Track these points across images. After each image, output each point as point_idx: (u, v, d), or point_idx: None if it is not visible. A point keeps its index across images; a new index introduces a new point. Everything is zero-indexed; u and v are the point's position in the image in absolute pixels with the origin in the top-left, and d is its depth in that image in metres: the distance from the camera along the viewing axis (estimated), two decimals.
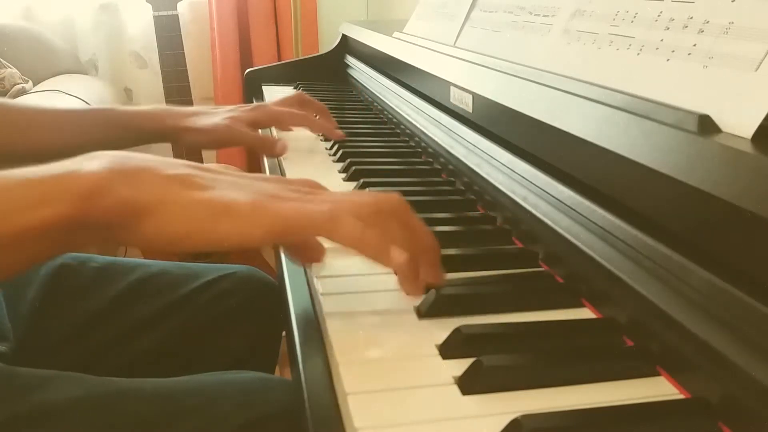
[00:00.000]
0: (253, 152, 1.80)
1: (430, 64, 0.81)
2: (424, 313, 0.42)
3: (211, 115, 0.80)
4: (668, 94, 0.41)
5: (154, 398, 0.52)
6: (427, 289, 0.43)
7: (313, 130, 0.89)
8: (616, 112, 0.43)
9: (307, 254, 0.45)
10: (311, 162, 0.81)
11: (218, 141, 0.81)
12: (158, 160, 0.40)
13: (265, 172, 0.79)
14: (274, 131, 0.92)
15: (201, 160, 1.73)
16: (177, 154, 1.73)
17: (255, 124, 0.82)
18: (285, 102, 0.88)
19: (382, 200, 0.42)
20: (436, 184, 0.70)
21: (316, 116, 0.88)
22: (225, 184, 0.40)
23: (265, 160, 0.81)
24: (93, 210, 0.36)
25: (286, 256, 0.48)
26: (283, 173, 0.76)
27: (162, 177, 0.38)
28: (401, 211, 0.42)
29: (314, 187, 0.44)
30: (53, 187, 0.36)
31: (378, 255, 0.40)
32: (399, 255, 0.39)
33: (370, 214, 0.40)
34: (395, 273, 0.42)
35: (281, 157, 0.81)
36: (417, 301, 0.43)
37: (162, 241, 0.37)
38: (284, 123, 0.88)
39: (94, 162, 0.37)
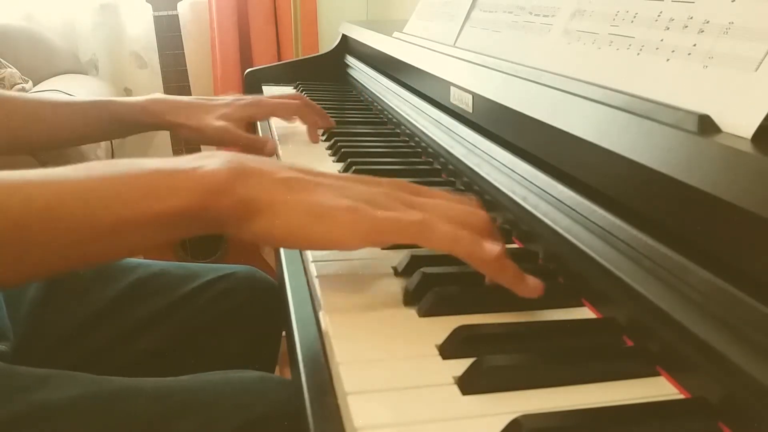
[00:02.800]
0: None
1: (430, 64, 0.81)
2: (424, 312, 0.42)
3: (208, 111, 0.81)
4: (668, 94, 0.41)
5: (154, 398, 0.52)
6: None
7: (304, 121, 0.88)
8: (616, 112, 0.43)
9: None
10: (311, 162, 0.81)
11: (211, 140, 0.84)
12: (270, 162, 0.43)
13: None
14: (275, 133, 0.92)
15: (199, 146, 1.74)
16: (176, 149, 1.73)
17: (251, 119, 0.84)
18: (282, 97, 0.89)
19: (468, 214, 0.44)
20: (436, 184, 0.70)
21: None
22: (327, 188, 0.42)
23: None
24: (215, 204, 0.39)
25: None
26: None
27: (274, 180, 0.41)
28: (481, 225, 0.43)
29: (405, 189, 0.45)
30: (183, 180, 0.40)
31: (472, 253, 0.41)
32: (492, 248, 0.41)
33: (458, 223, 0.42)
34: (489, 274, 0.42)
35: (281, 156, 0.82)
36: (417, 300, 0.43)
37: (267, 238, 0.41)
38: (280, 114, 0.89)
39: (215, 160, 0.41)
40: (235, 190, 0.40)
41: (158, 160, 0.41)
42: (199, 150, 1.74)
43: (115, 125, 0.81)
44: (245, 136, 0.82)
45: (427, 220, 0.41)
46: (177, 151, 1.73)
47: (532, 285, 0.42)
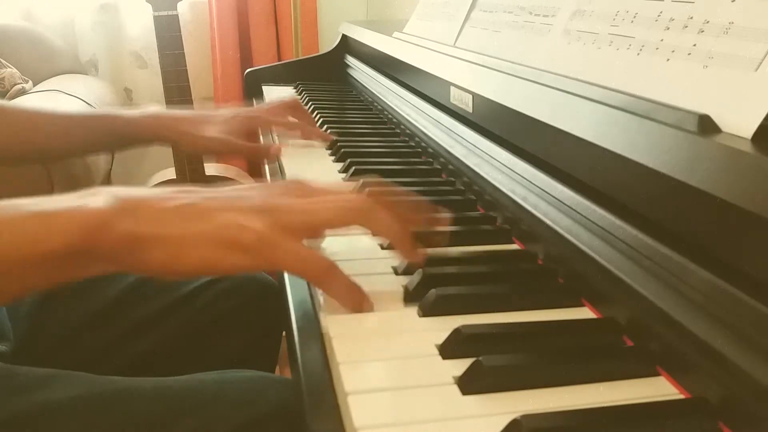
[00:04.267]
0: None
1: (430, 64, 0.81)
2: (424, 312, 0.42)
3: (207, 123, 0.81)
4: (668, 94, 0.41)
5: (154, 397, 0.52)
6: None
7: (303, 137, 0.89)
8: (616, 112, 0.43)
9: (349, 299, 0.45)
10: (311, 162, 0.81)
11: (214, 152, 0.85)
12: (157, 193, 0.42)
13: (265, 174, 0.79)
14: (275, 136, 0.92)
15: (201, 160, 1.73)
16: (176, 153, 1.73)
17: (250, 132, 0.84)
18: (280, 108, 0.88)
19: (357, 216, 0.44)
20: (436, 184, 0.70)
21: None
22: (225, 209, 0.41)
23: (266, 160, 0.82)
24: (99, 242, 0.38)
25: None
26: (283, 173, 0.76)
27: (160, 210, 0.40)
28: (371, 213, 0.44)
29: (302, 192, 0.45)
30: (61, 221, 0.38)
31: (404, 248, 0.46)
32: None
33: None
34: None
35: (281, 157, 0.82)
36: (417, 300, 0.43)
37: (167, 272, 0.40)
38: (278, 130, 0.90)
39: (98, 198, 0.40)
40: (121, 226, 0.38)
41: (42, 200, 0.40)
42: (200, 161, 1.74)
43: (113, 139, 0.81)
44: (246, 145, 0.82)
45: (332, 267, 0.41)
46: (178, 157, 1.72)
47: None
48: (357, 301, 0.42)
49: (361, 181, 0.54)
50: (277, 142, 0.88)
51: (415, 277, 0.45)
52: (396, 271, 0.48)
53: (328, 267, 0.42)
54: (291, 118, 0.88)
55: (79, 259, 0.39)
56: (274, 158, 0.81)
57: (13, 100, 1.64)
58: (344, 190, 0.46)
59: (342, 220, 0.43)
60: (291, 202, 0.43)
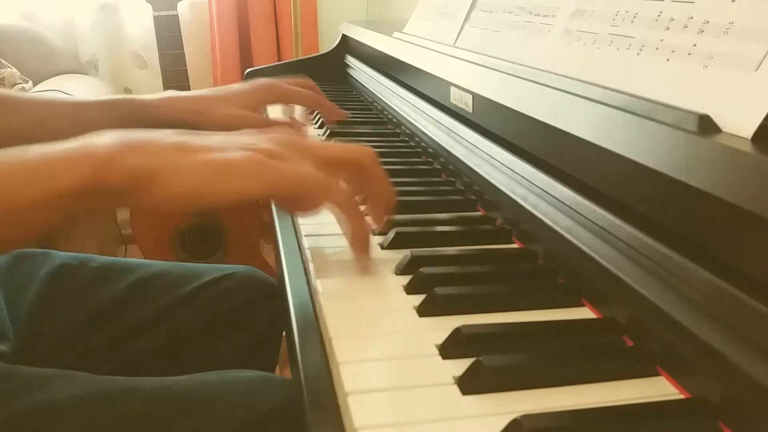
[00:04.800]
0: None
1: (430, 64, 0.81)
2: (424, 312, 0.42)
3: (224, 101, 0.80)
4: (668, 94, 0.41)
5: (154, 397, 0.52)
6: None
7: (320, 110, 0.89)
8: (616, 112, 0.43)
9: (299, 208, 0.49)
10: None
11: (233, 129, 0.84)
12: (155, 132, 0.44)
13: None
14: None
15: None
16: None
17: (264, 105, 0.86)
18: (293, 82, 0.88)
19: (358, 158, 0.49)
20: (436, 184, 0.70)
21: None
22: (222, 145, 0.44)
23: None
24: (106, 178, 0.40)
25: (277, 208, 0.55)
26: None
27: (164, 145, 0.42)
28: (370, 164, 0.49)
29: (296, 138, 0.48)
30: (70, 160, 0.40)
31: (356, 219, 0.47)
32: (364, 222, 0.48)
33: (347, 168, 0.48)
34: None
35: None
36: (417, 300, 0.43)
37: (170, 203, 0.41)
38: (295, 101, 0.89)
39: (104, 137, 0.42)
40: (124, 161, 0.40)
41: (47, 145, 0.41)
42: None
43: (128, 124, 0.81)
44: (266, 120, 0.83)
45: (328, 180, 0.44)
46: None
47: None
48: (359, 229, 0.46)
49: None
50: None
51: (416, 277, 0.45)
52: (396, 271, 0.48)
53: (327, 182, 0.44)
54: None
55: (86, 197, 0.40)
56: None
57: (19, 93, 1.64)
58: (341, 155, 0.48)
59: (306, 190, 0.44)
60: (280, 153, 0.44)
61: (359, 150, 0.49)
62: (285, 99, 0.88)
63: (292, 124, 0.85)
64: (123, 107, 0.80)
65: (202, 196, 0.41)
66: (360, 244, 0.48)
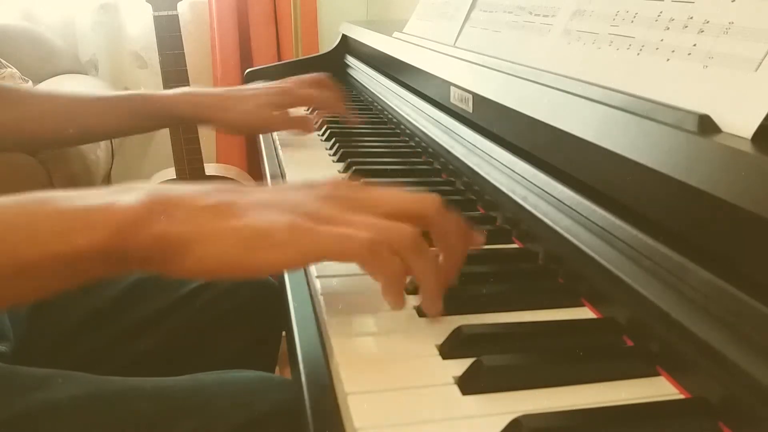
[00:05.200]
0: (254, 148, 1.82)
1: (430, 64, 0.81)
2: (424, 312, 0.42)
3: (243, 101, 0.82)
4: (668, 94, 0.41)
5: (154, 397, 0.52)
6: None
7: (336, 112, 0.92)
8: (616, 112, 0.43)
9: None
10: (311, 162, 0.81)
11: (250, 127, 0.87)
12: (193, 190, 0.40)
13: (265, 174, 0.79)
14: (275, 137, 0.92)
15: (201, 159, 1.73)
16: (176, 152, 1.72)
17: (283, 107, 0.85)
18: (306, 82, 0.90)
19: (424, 210, 0.41)
20: (436, 184, 0.70)
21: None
22: (259, 208, 0.39)
23: (266, 160, 0.82)
24: (129, 243, 0.36)
25: None
26: (283, 173, 0.76)
27: (196, 209, 0.38)
28: (441, 219, 0.42)
29: (350, 190, 0.42)
30: (96, 218, 0.37)
31: (395, 295, 0.40)
32: (434, 288, 0.40)
33: (410, 248, 0.39)
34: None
35: (281, 157, 0.82)
36: (417, 300, 0.43)
37: (201, 273, 0.38)
38: (312, 105, 0.93)
39: (131, 195, 0.38)
40: (153, 226, 0.36)
41: (68, 196, 0.38)
42: (199, 157, 1.74)
43: (147, 120, 0.83)
44: (282, 119, 0.84)
45: (375, 246, 0.37)
46: (178, 157, 1.72)
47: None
48: (396, 294, 0.39)
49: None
50: (277, 141, 0.88)
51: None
52: None
53: (371, 243, 0.37)
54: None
55: (107, 258, 0.37)
56: (311, 130, 0.85)
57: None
58: (404, 208, 0.41)
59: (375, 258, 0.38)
60: (330, 214, 0.39)
61: (424, 200, 0.42)
62: (305, 103, 0.91)
63: (306, 119, 0.87)
64: (135, 103, 0.81)
65: (234, 270, 0.37)
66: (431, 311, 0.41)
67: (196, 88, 0.84)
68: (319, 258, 0.38)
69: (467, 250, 0.43)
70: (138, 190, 0.38)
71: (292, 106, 0.87)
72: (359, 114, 1.03)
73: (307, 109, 1.03)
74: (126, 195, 0.38)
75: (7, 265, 0.36)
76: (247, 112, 0.81)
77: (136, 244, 0.36)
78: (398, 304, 0.40)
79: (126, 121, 0.81)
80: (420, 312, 0.42)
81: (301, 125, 0.86)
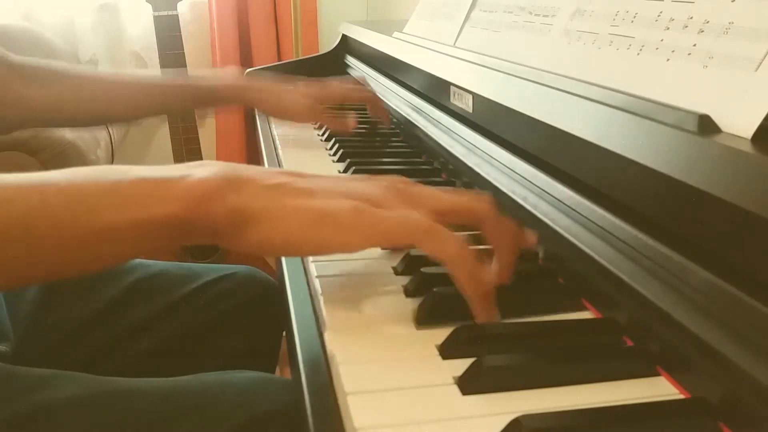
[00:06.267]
0: (254, 148, 1.83)
1: (430, 64, 0.81)
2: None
3: (289, 90, 0.89)
4: (668, 94, 0.41)
5: (154, 398, 0.52)
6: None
7: (375, 110, 0.96)
8: (616, 112, 0.43)
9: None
10: (311, 162, 0.81)
11: (296, 117, 0.91)
12: (261, 170, 0.42)
13: None
14: (274, 132, 0.92)
15: (199, 146, 1.73)
16: (176, 152, 1.72)
17: (331, 102, 0.91)
18: (354, 91, 0.96)
19: (480, 211, 0.43)
20: (436, 184, 0.70)
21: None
22: (325, 190, 0.41)
23: (266, 160, 0.82)
24: (202, 214, 0.38)
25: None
26: None
27: (266, 186, 0.40)
28: (495, 221, 0.43)
29: (403, 184, 0.44)
30: (170, 189, 0.39)
31: (469, 278, 0.40)
32: (488, 283, 0.41)
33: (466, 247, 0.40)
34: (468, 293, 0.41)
35: (281, 157, 0.82)
36: (416, 301, 0.43)
37: (265, 248, 0.40)
38: (352, 99, 0.96)
39: (205, 169, 0.40)
40: (226, 199, 0.38)
41: (145, 168, 0.40)
42: (200, 157, 1.74)
43: (191, 103, 0.91)
44: (327, 116, 0.89)
45: (435, 226, 0.39)
46: (177, 149, 1.72)
47: (490, 313, 0.41)
48: (475, 278, 0.40)
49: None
50: (278, 142, 0.89)
51: (416, 278, 0.45)
52: (396, 271, 0.48)
53: (435, 229, 0.39)
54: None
55: (177, 229, 0.38)
56: (350, 129, 0.89)
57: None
58: (459, 205, 0.43)
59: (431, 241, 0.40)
60: (389, 202, 0.41)
61: (477, 199, 0.44)
62: (342, 100, 0.94)
63: (347, 120, 0.90)
64: (186, 91, 0.88)
65: (298, 246, 0.39)
66: (481, 307, 0.41)
67: (241, 76, 0.92)
68: (381, 240, 0.40)
69: (519, 249, 0.44)
70: (210, 165, 0.40)
71: (340, 102, 0.94)
72: (359, 114, 1.03)
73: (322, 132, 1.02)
74: (200, 169, 0.40)
75: (88, 228, 0.37)
76: (292, 100, 0.87)
77: (208, 215, 0.38)
78: (487, 315, 0.40)
79: (170, 103, 0.89)
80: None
81: (342, 125, 0.89)
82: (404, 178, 0.45)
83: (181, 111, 0.91)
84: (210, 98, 0.89)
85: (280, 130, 0.94)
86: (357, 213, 0.39)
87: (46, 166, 1.55)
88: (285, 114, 0.89)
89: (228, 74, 0.91)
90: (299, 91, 0.89)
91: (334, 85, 0.93)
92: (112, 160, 1.92)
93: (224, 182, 0.39)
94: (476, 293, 0.40)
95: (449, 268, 0.40)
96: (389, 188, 0.43)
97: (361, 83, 1.01)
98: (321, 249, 0.40)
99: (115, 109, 0.86)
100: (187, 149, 1.72)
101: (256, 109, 0.97)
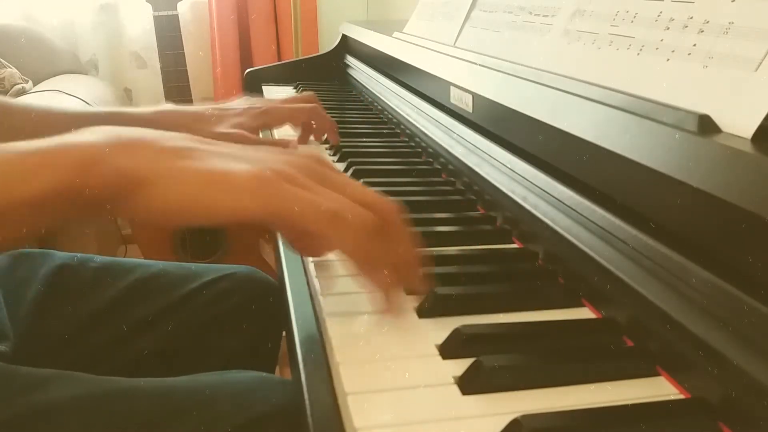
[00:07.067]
0: None
1: (430, 64, 0.81)
2: (424, 313, 0.42)
3: (220, 120, 0.79)
4: (668, 94, 0.41)
5: (154, 398, 0.52)
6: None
7: (323, 125, 0.86)
8: (616, 112, 0.43)
9: (308, 247, 0.45)
10: None
11: None
12: (156, 133, 0.39)
13: None
14: (274, 132, 0.92)
15: None
16: None
17: (264, 128, 0.82)
18: (290, 101, 0.88)
19: (385, 210, 0.40)
20: (436, 184, 0.70)
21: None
22: (227, 156, 0.38)
23: None
24: (90, 179, 0.35)
25: (284, 244, 0.48)
26: None
27: (158, 148, 0.37)
28: (398, 225, 0.41)
29: (323, 167, 0.41)
30: (51, 157, 0.36)
31: (368, 272, 0.39)
32: (385, 279, 0.39)
33: (372, 237, 0.38)
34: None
35: None
36: (416, 300, 0.43)
37: (156, 213, 0.37)
38: (293, 122, 0.87)
39: (92, 134, 0.37)
40: (111, 162, 0.36)
41: (33, 141, 0.37)
42: None
43: None
44: (260, 140, 0.80)
45: (341, 214, 0.37)
46: None
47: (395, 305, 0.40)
48: (376, 276, 0.38)
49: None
50: (276, 137, 0.88)
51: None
52: None
53: (343, 215, 0.37)
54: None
55: (72, 198, 0.36)
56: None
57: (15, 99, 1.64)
58: (368, 199, 0.40)
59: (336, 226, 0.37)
60: (296, 177, 0.39)
61: (388, 201, 0.41)
62: (282, 122, 0.86)
63: (287, 143, 0.81)
64: (113, 120, 0.78)
65: (192, 211, 0.36)
66: (384, 301, 0.40)
67: (175, 106, 0.81)
68: (278, 214, 0.37)
69: (411, 269, 0.42)
70: (100, 130, 0.38)
71: (273, 126, 0.85)
72: (359, 114, 1.03)
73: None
74: (88, 134, 0.37)
75: None
76: (220, 134, 0.76)
77: (96, 180, 0.35)
78: (388, 308, 0.40)
79: None
80: (420, 312, 0.42)
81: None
82: (322, 159, 0.43)
83: None
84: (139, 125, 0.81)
85: (280, 133, 0.94)
86: (259, 180, 0.36)
87: None
88: None
89: (158, 106, 0.80)
90: (231, 117, 0.79)
91: (275, 110, 0.83)
92: None
93: (114, 146, 0.36)
94: (379, 287, 0.39)
95: (349, 261, 0.38)
96: (302, 167, 0.40)
97: (311, 100, 0.88)
98: (213, 215, 0.37)
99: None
100: None
101: None
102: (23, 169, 0.36)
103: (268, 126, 0.83)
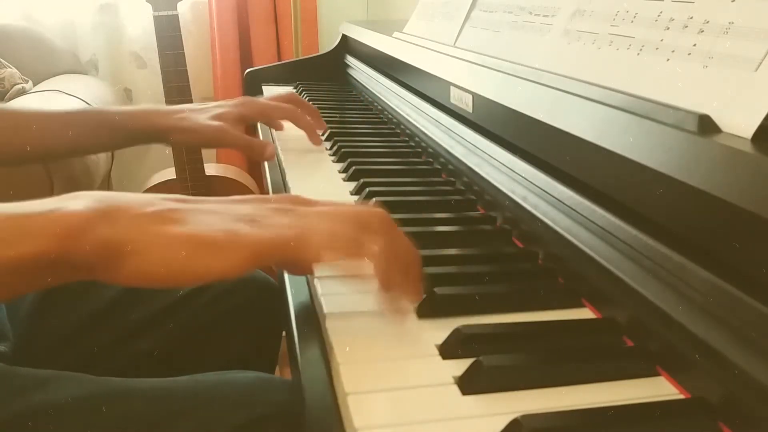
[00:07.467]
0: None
1: (430, 64, 0.81)
2: (424, 313, 0.42)
3: (200, 113, 0.79)
4: (668, 94, 0.41)
5: (154, 398, 0.52)
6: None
7: (298, 125, 0.86)
8: (616, 112, 0.43)
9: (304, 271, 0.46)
10: (311, 162, 0.81)
11: (207, 142, 0.82)
12: (137, 198, 0.40)
13: (265, 174, 0.79)
14: (274, 133, 0.92)
15: (201, 159, 1.73)
16: (176, 152, 1.72)
17: (243, 120, 0.82)
18: (274, 98, 0.88)
19: (362, 214, 0.41)
20: (436, 184, 0.70)
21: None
22: (205, 215, 0.39)
23: (266, 162, 0.82)
24: (74, 249, 0.36)
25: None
26: (283, 174, 0.76)
27: (139, 215, 0.38)
28: (383, 226, 0.41)
29: (297, 203, 0.43)
30: (35, 225, 0.36)
31: (353, 253, 0.39)
32: (372, 245, 0.39)
33: (346, 226, 0.39)
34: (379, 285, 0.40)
35: (281, 157, 0.82)
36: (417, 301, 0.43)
37: (143, 280, 0.37)
38: (271, 117, 0.86)
39: (77, 201, 0.38)
40: (96, 231, 0.36)
41: (16, 204, 0.37)
42: (200, 158, 1.73)
43: (106, 134, 0.79)
44: (243, 137, 0.80)
45: (303, 232, 0.38)
46: (178, 158, 1.72)
47: (414, 294, 0.40)
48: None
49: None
50: (277, 143, 0.88)
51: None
52: None
53: (304, 233, 0.38)
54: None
55: (49, 266, 0.36)
56: (270, 158, 0.79)
57: (11, 101, 1.64)
58: (354, 216, 0.41)
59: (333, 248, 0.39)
60: (278, 220, 0.40)
61: (370, 213, 0.41)
62: (258, 112, 0.85)
63: (265, 144, 0.81)
64: (98, 117, 0.79)
65: (177, 277, 0.37)
66: (388, 306, 0.40)
67: (156, 105, 0.81)
68: (257, 259, 0.38)
69: (409, 276, 0.41)
70: (83, 197, 0.38)
71: (251, 120, 0.85)
72: (359, 114, 1.03)
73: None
74: (71, 202, 0.38)
75: None
76: (200, 125, 0.77)
77: (79, 249, 0.36)
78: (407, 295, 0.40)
79: (84, 137, 0.78)
80: (420, 313, 0.42)
81: (258, 149, 0.80)
82: (302, 198, 0.43)
83: (97, 144, 0.79)
84: (121, 128, 0.79)
85: (281, 133, 0.94)
86: (233, 236, 0.38)
87: (46, 166, 1.54)
88: (191, 138, 0.79)
89: (140, 106, 0.81)
90: (211, 109, 0.80)
91: (250, 102, 0.84)
92: (112, 161, 1.92)
93: (95, 214, 0.37)
94: (378, 265, 0.39)
95: (331, 259, 0.39)
96: (280, 209, 0.41)
97: (292, 99, 0.88)
98: (201, 277, 0.37)
99: (44, 142, 0.77)
100: (187, 149, 1.71)
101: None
102: (8, 234, 0.36)
103: (246, 117, 0.82)
